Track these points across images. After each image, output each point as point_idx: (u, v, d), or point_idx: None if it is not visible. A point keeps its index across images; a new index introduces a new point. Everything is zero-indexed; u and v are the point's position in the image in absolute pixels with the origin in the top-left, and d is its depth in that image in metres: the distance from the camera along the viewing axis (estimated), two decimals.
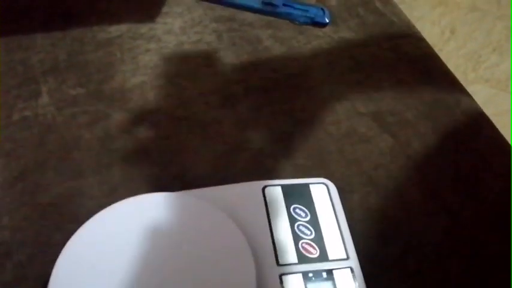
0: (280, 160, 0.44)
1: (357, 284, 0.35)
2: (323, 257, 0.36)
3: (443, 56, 0.53)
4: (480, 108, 0.49)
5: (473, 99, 0.50)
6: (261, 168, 0.43)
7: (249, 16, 0.56)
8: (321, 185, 0.41)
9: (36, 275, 0.37)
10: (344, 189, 0.41)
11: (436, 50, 0.55)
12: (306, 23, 0.52)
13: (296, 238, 0.37)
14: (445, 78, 0.52)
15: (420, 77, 0.52)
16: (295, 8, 0.53)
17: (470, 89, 0.50)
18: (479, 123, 0.48)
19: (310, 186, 0.40)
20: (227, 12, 0.57)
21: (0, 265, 0.38)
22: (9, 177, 0.43)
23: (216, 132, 0.46)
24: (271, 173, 0.43)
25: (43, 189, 0.42)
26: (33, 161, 0.44)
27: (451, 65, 0.53)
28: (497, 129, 0.48)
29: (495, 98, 1.21)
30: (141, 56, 0.52)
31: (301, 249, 0.37)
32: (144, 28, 0.55)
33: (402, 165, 0.44)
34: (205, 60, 0.52)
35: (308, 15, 0.53)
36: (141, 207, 0.37)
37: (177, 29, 0.55)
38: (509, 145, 0.46)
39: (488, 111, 0.49)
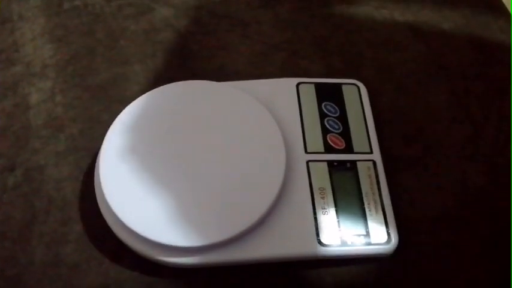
0: (315, 61, 0.46)
1: (379, 175, 0.38)
2: (348, 149, 0.39)
3: None
4: None
5: (509, 18, 0.49)
6: (297, 68, 0.45)
7: None
8: (353, 85, 0.43)
9: (86, 147, 0.41)
10: (374, 92, 0.43)
11: None
12: None
13: (324, 131, 0.40)
14: None
15: None
16: None
17: None
18: None
19: (342, 86, 0.42)
20: None
21: (54, 136, 0.42)
22: (61, 61, 0.46)
23: (255, 32, 0.48)
24: (306, 73, 0.45)
25: (92, 72, 0.45)
26: (82, 47, 0.47)
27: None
28: None
29: None
30: None
31: (328, 140, 0.39)
32: None
33: (433, 74, 0.45)
34: None
35: None
36: (182, 93, 0.40)
37: None
38: None
39: None
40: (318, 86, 0.42)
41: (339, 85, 0.42)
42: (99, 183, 0.36)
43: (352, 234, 0.36)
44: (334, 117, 0.41)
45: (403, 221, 0.37)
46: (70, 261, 0.36)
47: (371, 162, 0.39)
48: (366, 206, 0.37)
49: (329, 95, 0.42)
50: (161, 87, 0.40)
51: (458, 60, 0.46)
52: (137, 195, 0.35)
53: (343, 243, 0.35)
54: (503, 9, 0.50)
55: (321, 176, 0.38)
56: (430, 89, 0.44)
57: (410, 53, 0.46)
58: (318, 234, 0.35)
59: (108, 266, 0.36)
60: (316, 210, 0.36)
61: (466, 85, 0.45)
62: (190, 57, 0.46)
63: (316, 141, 0.39)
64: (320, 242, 0.35)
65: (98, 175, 0.37)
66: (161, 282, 0.36)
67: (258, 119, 0.39)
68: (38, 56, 0.46)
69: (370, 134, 0.40)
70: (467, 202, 0.39)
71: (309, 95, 0.42)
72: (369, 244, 0.36)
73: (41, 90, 0.44)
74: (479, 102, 0.44)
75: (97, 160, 0.38)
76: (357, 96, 0.42)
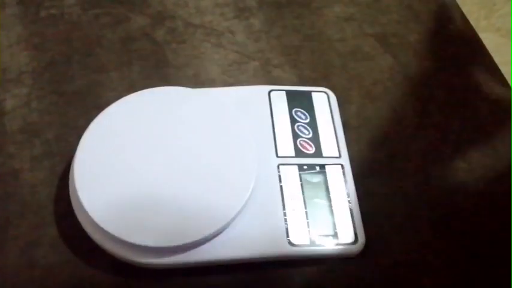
0: (286, 70, 0.47)
1: (347, 179, 0.40)
2: (318, 153, 0.41)
3: (458, 1, 0.55)
4: (481, 40, 0.51)
5: (475, 31, 0.52)
6: (269, 76, 0.47)
7: None
8: (322, 93, 0.44)
9: (61, 152, 0.42)
10: (343, 100, 0.45)
11: None
12: None
13: (295, 136, 0.41)
14: (453, 11, 0.54)
15: (428, 5, 0.54)
16: None
17: (480, 36, 0.52)
18: (477, 53, 0.50)
19: (312, 93, 0.44)
20: None
21: (29, 142, 0.42)
22: (38, 68, 0.47)
23: (229, 41, 0.49)
24: (277, 81, 0.46)
25: (68, 79, 0.46)
26: (59, 54, 0.48)
27: (464, 11, 0.54)
28: (494, 61, 0.51)
29: (504, 47, 1.22)
30: None
31: (298, 145, 0.41)
32: None
33: (399, 83, 0.47)
34: None
35: None
36: (157, 98, 0.41)
37: None
38: (502, 75, 0.49)
39: (496, 60, 0.51)
40: (289, 93, 0.44)
41: (309, 93, 0.44)
42: (74, 186, 0.37)
43: (321, 235, 0.37)
44: (304, 123, 0.42)
45: (370, 223, 0.39)
46: (44, 264, 0.37)
47: (339, 166, 0.40)
48: (334, 207, 0.38)
49: (299, 102, 0.43)
50: (136, 93, 0.41)
51: (422, 70, 0.48)
52: (111, 198, 0.36)
53: (312, 243, 0.37)
54: (465, 22, 0.53)
55: (291, 178, 0.39)
56: (395, 97, 0.46)
57: (377, 63, 0.49)
58: (288, 235, 0.37)
59: (82, 267, 0.37)
60: (287, 212, 0.37)
61: (430, 93, 0.47)
62: (165, 66, 0.47)
63: (286, 146, 0.41)
64: (290, 242, 0.36)
65: (73, 178, 0.37)
66: (135, 283, 0.36)
67: (230, 124, 0.40)
68: (14, 63, 0.47)
69: (339, 139, 0.42)
70: (431, 204, 0.41)
71: (280, 102, 0.43)
72: (337, 244, 0.37)
73: (16, 97, 0.45)
74: (442, 109, 0.46)
75: (72, 163, 0.39)
76: (326, 103, 0.44)
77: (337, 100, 0.44)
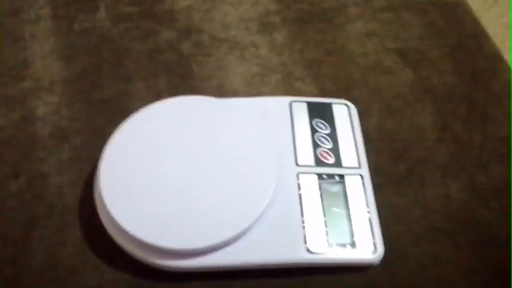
0: (308, 83, 0.48)
1: (366, 189, 0.40)
2: (337, 163, 0.41)
3: (483, 23, 0.55)
4: (501, 54, 0.51)
5: (495, 46, 0.52)
6: (290, 89, 0.48)
7: None
8: (343, 105, 0.45)
9: (88, 157, 0.43)
10: (364, 113, 0.46)
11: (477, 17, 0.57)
12: None
13: (315, 146, 0.42)
14: (474, 27, 0.55)
15: (450, 23, 0.54)
16: None
17: (505, 57, 0.53)
18: (498, 68, 0.51)
19: (333, 105, 0.45)
20: None
21: (58, 147, 0.44)
22: (69, 77, 0.49)
23: (252, 55, 0.51)
24: (299, 93, 0.47)
25: (97, 89, 0.48)
26: (89, 65, 0.50)
27: (489, 33, 0.55)
28: None
29: None
30: None
31: (318, 155, 0.41)
32: None
33: (420, 97, 0.47)
34: None
35: None
36: (182, 106, 0.42)
37: None
38: None
39: None
40: (309, 104, 0.45)
41: (330, 104, 0.45)
42: (99, 189, 0.38)
43: (339, 243, 0.37)
44: (324, 133, 0.43)
45: (389, 233, 0.39)
46: (67, 264, 0.38)
47: (359, 176, 0.41)
48: (352, 217, 0.38)
49: (320, 113, 0.44)
50: (162, 100, 0.43)
51: (443, 85, 0.49)
52: (134, 201, 0.37)
53: (330, 252, 0.37)
54: (487, 38, 0.53)
55: (311, 187, 0.40)
56: (416, 110, 0.47)
57: (398, 77, 0.49)
58: (306, 242, 0.37)
59: (104, 269, 0.38)
60: (305, 219, 0.38)
61: (451, 108, 0.47)
62: (191, 77, 0.49)
63: (306, 155, 0.41)
64: (308, 250, 0.37)
65: (98, 181, 0.39)
66: (153, 286, 0.37)
67: (252, 133, 0.41)
68: (47, 73, 0.49)
69: (359, 150, 0.42)
70: (451, 217, 0.41)
71: (301, 112, 0.44)
72: (355, 253, 0.37)
73: (48, 104, 0.47)
74: (463, 124, 0.46)
75: (97, 168, 0.40)
76: (346, 115, 0.44)
77: (358, 113, 0.45)
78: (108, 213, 0.37)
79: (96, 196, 0.39)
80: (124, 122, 0.42)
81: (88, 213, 0.40)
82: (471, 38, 0.53)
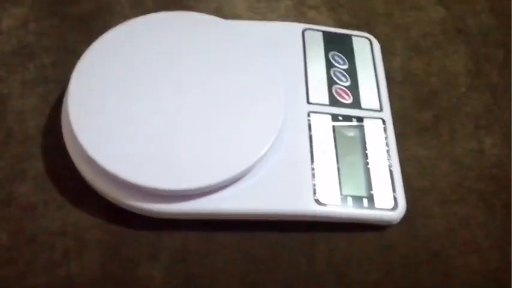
0: (323, 13, 0.41)
1: (388, 135, 0.34)
2: (355, 104, 0.35)
3: None
4: None
5: None
6: (302, 18, 0.41)
7: None
8: (365, 39, 0.38)
9: (57, 79, 0.36)
10: (387, 51, 0.39)
11: None
12: None
13: (330, 82, 0.35)
14: None
15: None
16: None
17: None
18: None
19: (353, 37, 0.38)
20: None
21: (23, 65, 0.37)
22: None
23: None
24: (311, 24, 0.40)
25: (74, 1, 0.40)
26: None
27: None
28: None
29: None
30: None
31: (334, 93, 0.35)
32: None
33: (452, 38, 0.41)
34: None
35: None
36: (171, 23, 0.35)
37: None
38: None
39: None
40: (326, 34, 0.38)
41: (350, 37, 0.38)
42: (67, 116, 0.31)
43: (354, 196, 0.31)
44: (342, 69, 0.36)
45: (411, 189, 0.33)
46: (25, 202, 0.31)
47: (380, 121, 0.34)
48: (371, 166, 0.32)
49: (338, 46, 0.37)
50: (146, 15, 0.35)
51: (479, 26, 0.42)
52: (109, 131, 0.30)
53: (343, 205, 0.31)
54: None
55: (323, 129, 0.33)
56: (447, 52, 0.40)
57: (427, 14, 0.42)
58: (315, 192, 0.31)
59: (70, 210, 0.31)
60: (315, 166, 0.32)
61: (486, 52, 0.40)
62: None
63: (320, 92, 0.35)
64: (317, 201, 0.30)
65: (67, 107, 0.31)
66: (128, 234, 0.31)
67: (256, 61, 0.34)
68: None
69: (381, 90, 0.36)
70: (482, 175, 0.35)
71: (316, 43, 0.37)
72: (373, 208, 0.31)
73: (13, 16, 0.39)
74: (500, 71, 0.40)
75: (66, 92, 0.33)
76: (368, 50, 0.38)
77: (381, 50, 0.38)
78: (77, 144, 0.30)
79: (63, 123, 0.32)
80: (100, 37, 0.34)
81: (53, 143, 0.33)
82: None
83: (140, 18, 0.35)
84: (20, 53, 0.37)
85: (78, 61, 0.33)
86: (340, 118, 0.34)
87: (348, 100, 0.35)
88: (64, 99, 0.33)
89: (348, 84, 0.36)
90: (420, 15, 0.42)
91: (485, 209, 0.33)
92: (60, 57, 0.37)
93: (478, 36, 0.41)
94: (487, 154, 0.36)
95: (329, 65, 0.36)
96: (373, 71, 0.37)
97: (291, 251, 0.31)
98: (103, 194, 0.31)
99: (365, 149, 0.33)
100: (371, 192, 0.31)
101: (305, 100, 0.34)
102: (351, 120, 0.34)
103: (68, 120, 0.31)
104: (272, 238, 0.31)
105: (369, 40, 0.38)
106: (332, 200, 0.31)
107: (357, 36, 0.38)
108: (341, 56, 0.37)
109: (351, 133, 0.33)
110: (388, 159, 0.33)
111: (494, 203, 0.34)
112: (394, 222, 0.32)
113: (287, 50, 0.36)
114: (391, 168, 0.32)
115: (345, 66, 0.36)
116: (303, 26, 0.38)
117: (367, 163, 0.32)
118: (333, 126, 0.33)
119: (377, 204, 0.31)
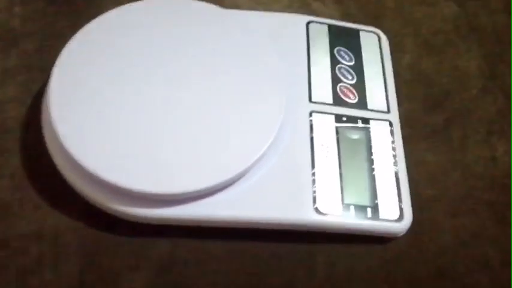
0: (328, 5, 0.39)
1: (395, 140, 0.31)
2: (361, 104, 0.32)
3: None
4: None
5: None
6: (306, 9, 0.38)
7: None
8: (373, 34, 0.36)
9: (41, 67, 0.34)
10: (396, 48, 0.36)
11: None
12: None
13: (335, 80, 0.33)
14: None
15: None
16: None
17: None
18: None
19: (360, 32, 0.35)
20: None
21: (4, 51, 0.34)
22: None
23: None
24: (316, 16, 0.38)
25: None
26: None
27: None
28: None
29: None
30: None
31: (338, 91, 0.32)
32: None
33: (464, 36, 0.38)
34: None
35: None
36: (167, 10, 0.32)
37: None
38: None
39: None
40: (331, 28, 0.35)
41: (357, 31, 0.35)
42: (48, 110, 0.29)
43: (357, 205, 0.29)
44: (347, 65, 0.34)
45: (418, 198, 0.30)
46: None
47: (387, 123, 0.32)
48: (376, 173, 0.30)
49: (344, 40, 0.35)
50: (138, 1, 0.33)
51: (493, 25, 0.39)
52: (94, 129, 0.28)
53: (345, 214, 0.28)
54: None
55: (326, 130, 0.31)
56: (460, 51, 0.38)
57: (439, 10, 0.40)
58: (315, 200, 0.28)
59: (48, 211, 0.29)
60: (316, 171, 0.29)
61: (501, 53, 0.38)
62: None
63: (323, 90, 0.32)
64: (317, 209, 0.28)
65: (48, 98, 0.29)
66: (110, 240, 0.28)
67: (255, 55, 0.31)
68: None
69: (389, 91, 0.33)
70: (494, 185, 0.32)
71: (321, 36, 0.34)
72: (377, 219, 0.29)
73: None
74: None
75: (49, 82, 0.30)
76: (376, 46, 0.35)
77: (390, 46, 0.36)
78: (57, 140, 0.28)
79: (43, 117, 0.30)
80: (88, 24, 0.32)
81: (32, 138, 0.30)
82: None
83: (134, 4, 0.33)
84: (1, 38, 0.35)
85: (62, 50, 0.31)
86: (344, 119, 0.31)
87: (353, 100, 0.32)
88: (45, 92, 0.30)
89: (353, 82, 0.33)
90: (431, 11, 0.39)
91: (497, 222, 0.31)
92: (45, 43, 0.35)
93: (492, 35, 0.39)
94: (500, 162, 0.33)
95: (334, 61, 0.33)
96: (380, 68, 0.34)
97: (287, 263, 0.29)
98: (84, 196, 0.28)
99: (370, 153, 0.30)
100: (375, 201, 0.29)
101: (307, 98, 0.32)
102: (356, 122, 0.31)
103: (49, 114, 0.28)
104: (267, 248, 0.29)
105: (378, 35, 0.36)
106: (333, 210, 0.28)
107: (365, 30, 0.36)
108: (347, 51, 0.34)
109: (355, 136, 0.31)
110: (395, 165, 0.30)
111: (507, 215, 0.31)
112: (399, 235, 0.29)
113: (289, 43, 0.34)
114: (398, 176, 0.30)
115: (351, 63, 0.34)
116: (307, 18, 0.35)
117: (372, 169, 0.30)
118: (336, 128, 0.31)
119: (381, 214, 0.29)
